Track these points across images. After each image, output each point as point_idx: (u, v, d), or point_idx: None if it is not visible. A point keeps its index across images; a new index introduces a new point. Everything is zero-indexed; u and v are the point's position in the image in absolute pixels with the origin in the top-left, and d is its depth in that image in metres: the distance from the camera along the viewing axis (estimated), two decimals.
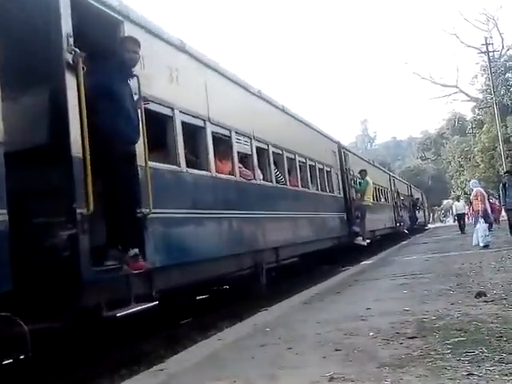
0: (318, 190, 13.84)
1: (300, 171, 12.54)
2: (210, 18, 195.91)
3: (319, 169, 14.32)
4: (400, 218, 28.69)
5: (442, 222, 71.11)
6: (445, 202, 75.02)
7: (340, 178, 16.55)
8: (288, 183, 11.36)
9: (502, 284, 6.94)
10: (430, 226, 56.10)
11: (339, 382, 3.32)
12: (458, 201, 29.17)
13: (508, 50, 46.85)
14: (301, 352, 4.27)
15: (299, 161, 12.50)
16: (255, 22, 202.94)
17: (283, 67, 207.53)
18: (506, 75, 45.22)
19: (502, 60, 45.14)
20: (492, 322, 4.60)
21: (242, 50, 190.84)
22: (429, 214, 65.53)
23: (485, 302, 5.74)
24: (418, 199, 39.78)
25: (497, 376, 3.12)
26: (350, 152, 19.17)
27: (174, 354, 5.06)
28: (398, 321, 5.11)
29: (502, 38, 47.02)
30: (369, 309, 5.99)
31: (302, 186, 12.55)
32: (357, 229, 16.19)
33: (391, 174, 31.62)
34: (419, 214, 39.83)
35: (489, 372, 3.21)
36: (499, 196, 28.70)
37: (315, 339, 4.71)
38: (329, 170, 15.35)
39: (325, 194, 14.58)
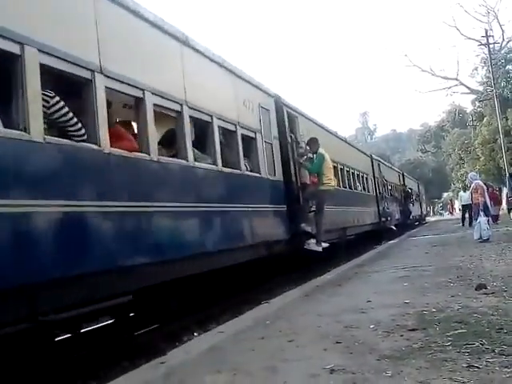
0: (216, 165, 7.89)
1: (162, 128, 7.34)
2: (212, 11, 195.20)
3: (225, 130, 8.58)
4: (386, 212, 23.47)
5: (440, 215, 71.30)
6: (445, 194, 75.17)
7: (278, 150, 10.69)
8: (106, 143, 5.47)
9: (502, 276, 6.95)
10: (430, 219, 56.10)
11: (340, 374, 3.33)
12: (464, 191, 26.36)
13: (508, 42, 46.67)
14: (301, 344, 4.28)
15: (158, 105, 6.53)
16: (256, 15, 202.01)
17: (284, 60, 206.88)
18: (507, 67, 45.07)
19: (502, 52, 44.95)
20: (492, 314, 4.60)
21: (244, 43, 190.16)
22: (427, 207, 64.74)
23: (485, 294, 5.75)
24: (411, 190, 35.51)
25: (497, 368, 3.13)
26: (300, 115, 12.73)
27: (175, 347, 5.07)
28: (399, 313, 5.12)
29: (503, 30, 46.86)
30: (369, 301, 6.00)
31: (173, 155, 7.04)
32: (308, 227, 10.83)
33: (374, 156, 25.12)
34: (414, 207, 35.54)
35: (489, 364, 3.22)
36: (499, 188, 28.69)
37: (316, 332, 4.72)
38: (252, 135, 9.51)
39: (237, 173, 8.66)
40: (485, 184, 16.47)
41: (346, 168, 16.94)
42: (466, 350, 3.57)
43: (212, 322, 7.14)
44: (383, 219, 22.63)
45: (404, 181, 33.81)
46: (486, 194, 14.87)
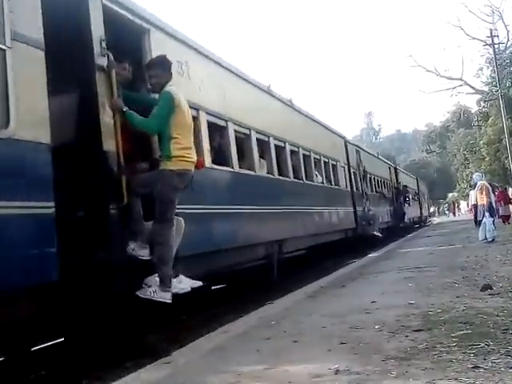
0: None
1: None
2: (216, 13, 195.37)
3: None
4: (367, 214, 18.10)
5: (446, 215, 71.30)
6: (450, 195, 75.06)
7: (40, 72, 4.53)
8: None
9: (507, 277, 6.93)
10: (435, 219, 55.78)
11: (345, 375, 3.32)
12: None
13: None
14: (306, 345, 4.27)
15: None
16: (260, 16, 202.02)
17: (288, 61, 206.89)
18: None
19: (507, 52, 44.73)
20: (498, 315, 4.59)
21: (248, 44, 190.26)
22: (429, 207, 63.00)
23: (490, 295, 5.74)
24: (406, 187, 29.56)
25: (502, 369, 3.11)
26: (159, 29, 6.63)
27: (180, 347, 5.07)
28: (404, 314, 5.10)
29: (508, 30, 46.53)
30: (374, 302, 5.98)
31: None
32: (143, 252, 5.40)
33: (350, 140, 19.58)
34: (410, 208, 30.15)
35: (494, 365, 3.20)
36: (505, 188, 28.51)
37: (320, 332, 4.71)
38: None
39: None
40: (489, 184, 16.35)
41: (289, 147, 11.19)
42: (472, 350, 3.56)
43: (217, 321, 7.14)
44: (363, 223, 17.32)
45: (397, 176, 28.90)
46: (491, 194, 14.81)
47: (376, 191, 21.69)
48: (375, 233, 18.32)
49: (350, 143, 18.52)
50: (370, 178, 20.72)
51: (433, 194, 69.88)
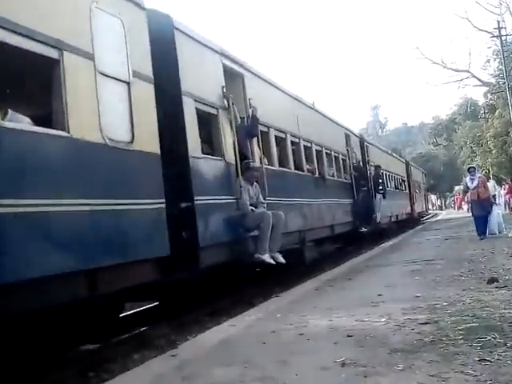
0: None
1: None
2: (222, 6, 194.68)
3: None
4: (249, 215, 7.72)
5: (453, 208, 71.19)
6: (456, 187, 74.84)
7: None
8: None
9: None
10: (443, 212, 55.41)
11: (351, 368, 3.33)
12: (488, 180, 19.40)
13: None
14: (312, 338, 4.28)
15: None
16: (266, 8, 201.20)
17: (294, 54, 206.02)
18: None
19: None
20: (504, 308, 4.58)
21: (254, 36, 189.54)
22: (426, 201, 60.95)
23: (497, 287, 5.73)
24: (379, 168, 18.94)
25: (509, 362, 3.11)
26: None
27: (186, 340, 5.09)
28: (410, 307, 5.11)
29: None
30: (380, 295, 5.99)
31: None
32: None
33: (190, 29, 7.18)
34: (390, 202, 19.87)
35: (501, 357, 3.20)
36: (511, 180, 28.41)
37: (327, 325, 4.72)
38: None
39: None
40: (496, 177, 16.31)
41: None
42: (478, 343, 3.56)
43: (223, 314, 7.16)
44: (229, 238, 7.57)
45: (365, 152, 18.69)
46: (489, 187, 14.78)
47: (296, 167, 11.26)
48: (265, 258, 7.86)
49: (187, 35, 7.21)
50: (281, 139, 10.60)
51: (439, 188, 69.49)
